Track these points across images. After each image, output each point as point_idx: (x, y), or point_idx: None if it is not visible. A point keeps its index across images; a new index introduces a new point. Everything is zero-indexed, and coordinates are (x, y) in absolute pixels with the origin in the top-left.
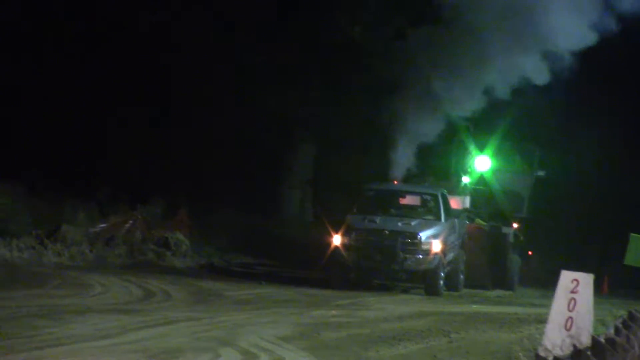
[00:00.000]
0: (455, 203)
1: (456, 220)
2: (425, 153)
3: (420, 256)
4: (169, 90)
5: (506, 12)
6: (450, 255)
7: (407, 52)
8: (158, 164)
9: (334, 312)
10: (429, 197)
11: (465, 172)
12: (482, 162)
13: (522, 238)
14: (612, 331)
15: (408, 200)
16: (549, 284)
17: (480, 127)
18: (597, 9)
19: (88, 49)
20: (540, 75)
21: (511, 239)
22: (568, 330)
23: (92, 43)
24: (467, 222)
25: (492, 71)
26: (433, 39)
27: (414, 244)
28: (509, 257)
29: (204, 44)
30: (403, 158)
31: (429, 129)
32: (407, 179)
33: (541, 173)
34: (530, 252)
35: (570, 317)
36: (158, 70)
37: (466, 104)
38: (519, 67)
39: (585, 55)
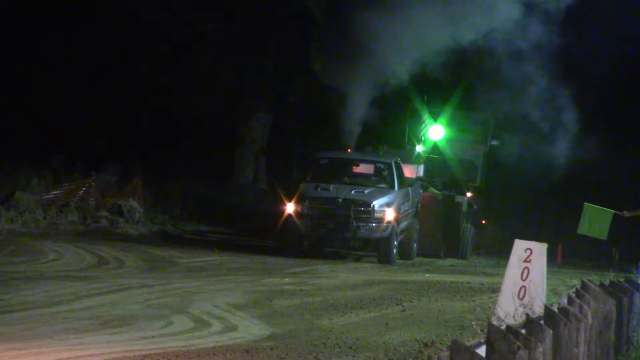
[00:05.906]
0: (408, 172)
1: (410, 189)
2: (379, 121)
3: (374, 224)
4: (124, 60)
5: None
6: (403, 224)
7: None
8: (113, 132)
9: (286, 280)
10: (382, 166)
11: (419, 141)
12: (436, 131)
13: (475, 207)
14: (565, 301)
15: (362, 168)
16: (503, 253)
17: (434, 96)
18: None
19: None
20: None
21: (464, 207)
22: (521, 299)
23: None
24: (421, 190)
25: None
26: None
27: (367, 212)
28: (462, 226)
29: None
30: (356, 126)
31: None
32: (361, 147)
33: (495, 142)
34: (483, 221)
35: (524, 286)
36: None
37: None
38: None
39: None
